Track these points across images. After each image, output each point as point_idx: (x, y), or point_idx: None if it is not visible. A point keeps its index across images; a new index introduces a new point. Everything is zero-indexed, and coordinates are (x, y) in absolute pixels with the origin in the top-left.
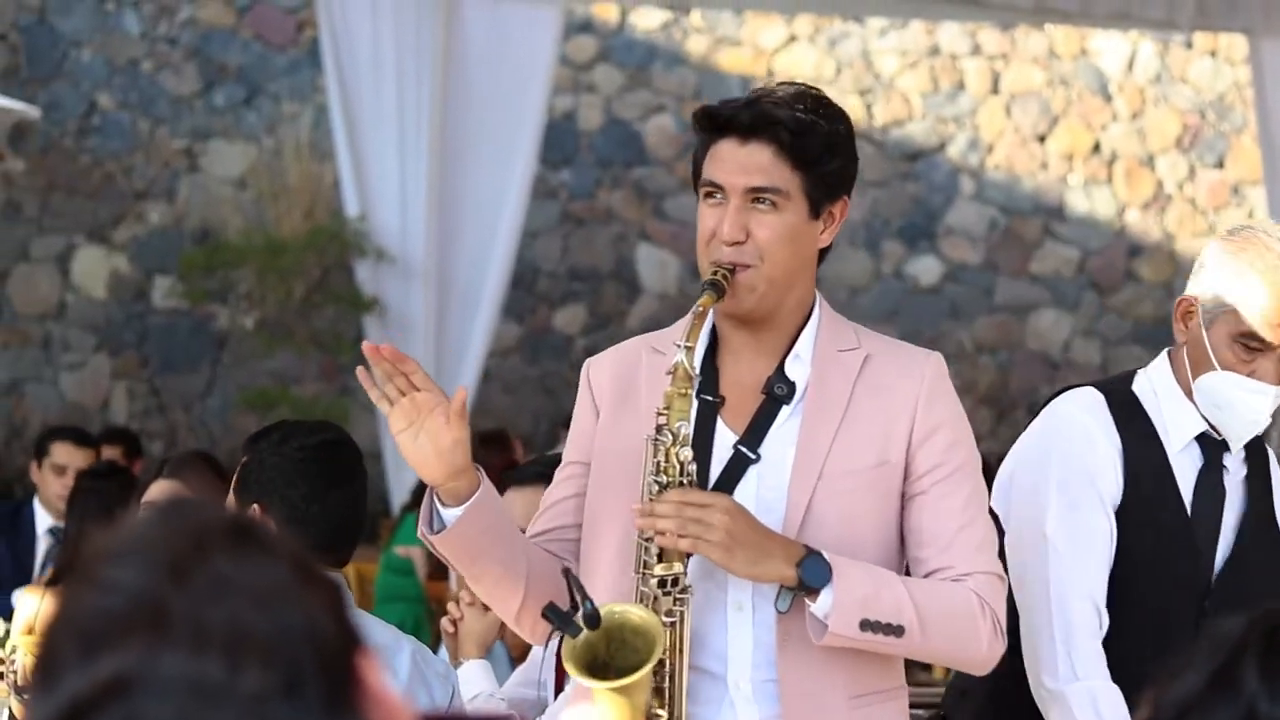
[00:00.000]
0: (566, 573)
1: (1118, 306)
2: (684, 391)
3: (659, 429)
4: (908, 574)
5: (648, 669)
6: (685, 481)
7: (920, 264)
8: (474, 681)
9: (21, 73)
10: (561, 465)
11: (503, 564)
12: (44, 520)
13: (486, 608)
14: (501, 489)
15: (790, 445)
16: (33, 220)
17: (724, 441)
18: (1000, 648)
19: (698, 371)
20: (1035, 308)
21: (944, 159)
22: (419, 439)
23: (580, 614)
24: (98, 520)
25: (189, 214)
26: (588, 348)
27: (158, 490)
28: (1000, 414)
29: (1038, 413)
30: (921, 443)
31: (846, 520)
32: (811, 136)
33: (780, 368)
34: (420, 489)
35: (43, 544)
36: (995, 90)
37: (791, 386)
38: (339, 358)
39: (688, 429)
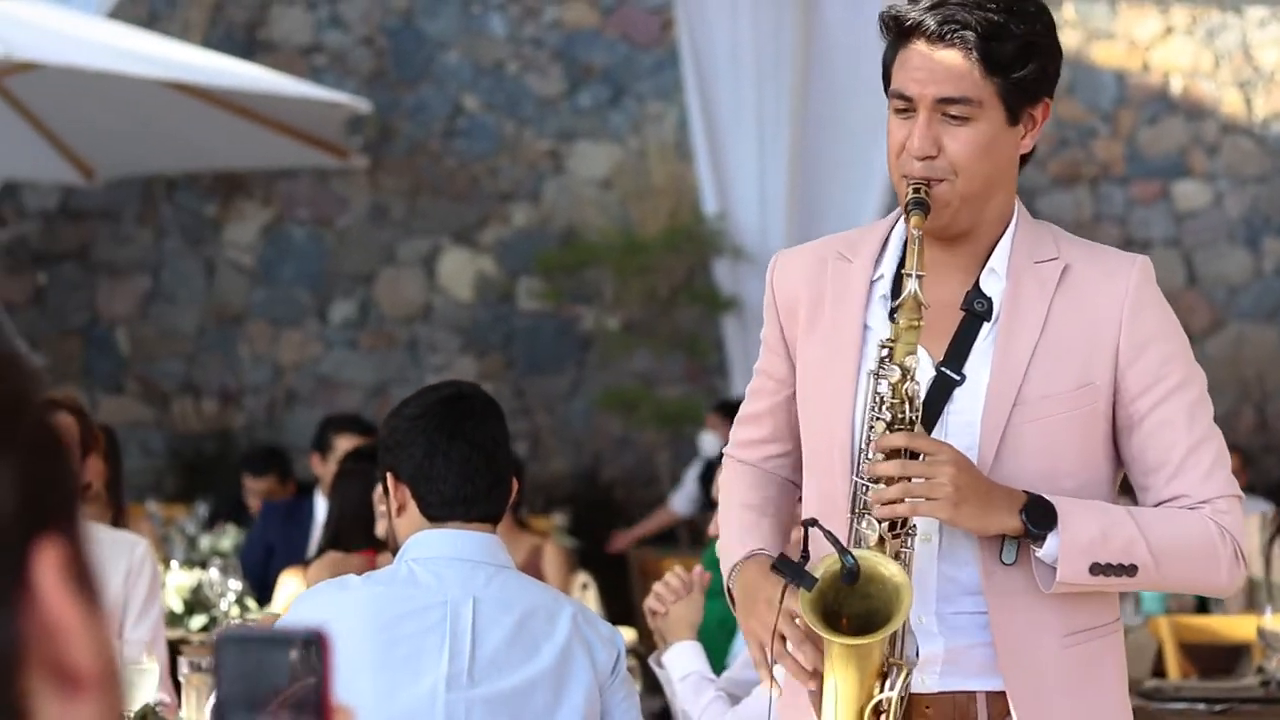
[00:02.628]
0: (813, 522)
1: None
2: (914, 323)
3: (882, 362)
4: (1134, 500)
5: (899, 622)
6: (914, 417)
7: None
8: (685, 662)
9: (388, 75)
10: (756, 371)
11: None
12: (324, 510)
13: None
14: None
15: (984, 365)
16: (399, 223)
17: (924, 363)
18: (1241, 573)
19: (889, 289)
20: None
21: None
22: None
23: (834, 564)
24: (360, 501)
25: (554, 215)
26: None
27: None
28: None
29: None
30: (1133, 361)
31: (1047, 447)
32: (1005, 39)
33: (976, 283)
34: None
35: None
36: None
37: (989, 302)
38: (701, 358)
39: (916, 363)
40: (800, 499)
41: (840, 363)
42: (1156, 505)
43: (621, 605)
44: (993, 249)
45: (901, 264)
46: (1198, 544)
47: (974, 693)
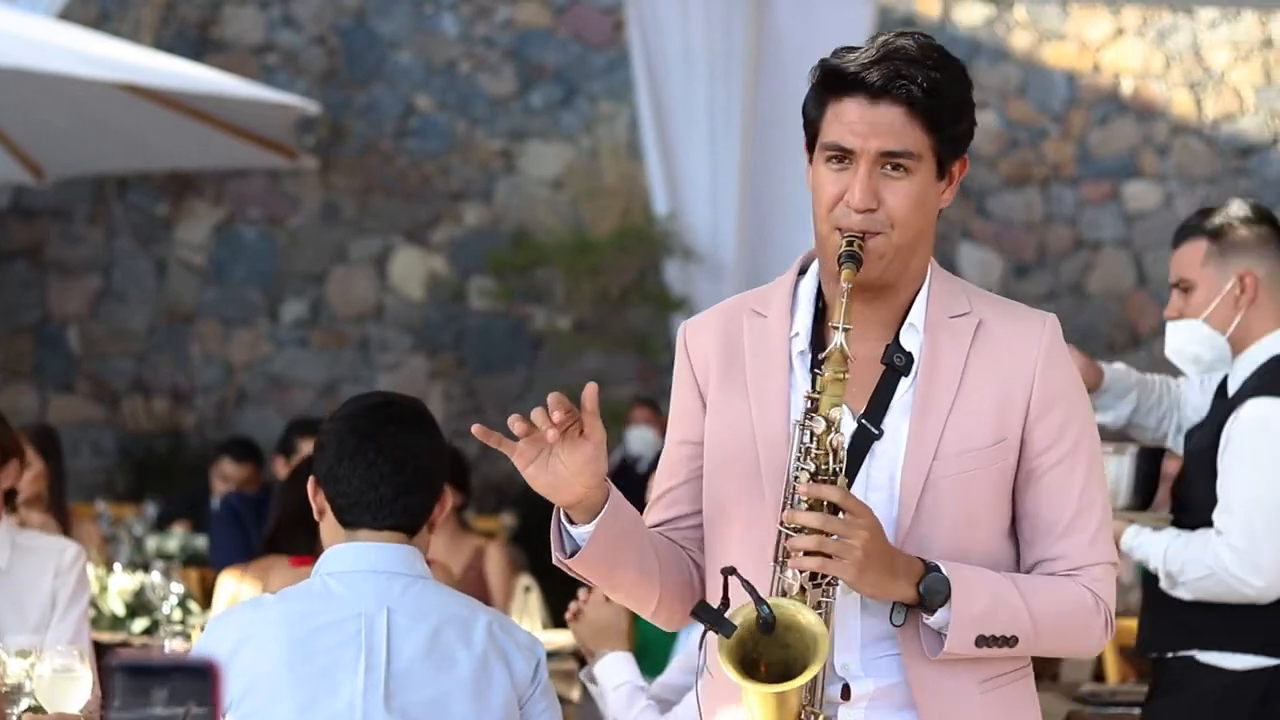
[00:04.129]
0: (732, 571)
1: None
2: (839, 376)
3: (808, 413)
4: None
5: (815, 670)
6: (838, 469)
7: None
8: (616, 673)
9: (340, 75)
10: (668, 446)
11: (638, 568)
12: None
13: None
14: None
15: (904, 417)
16: (351, 222)
17: (845, 416)
18: (1108, 639)
19: (808, 345)
20: None
21: (1277, 154)
22: (550, 463)
23: (752, 613)
24: (304, 504)
25: (505, 215)
26: None
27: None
28: None
29: None
30: (1040, 417)
31: (963, 502)
32: (944, 97)
33: (896, 338)
34: None
35: None
36: None
37: (909, 357)
38: (651, 358)
39: (840, 415)
40: (697, 577)
41: (771, 415)
42: (1038, 562)
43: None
44: (911, 304)
45: (817, 318)
46: (1075, 614)
47: None
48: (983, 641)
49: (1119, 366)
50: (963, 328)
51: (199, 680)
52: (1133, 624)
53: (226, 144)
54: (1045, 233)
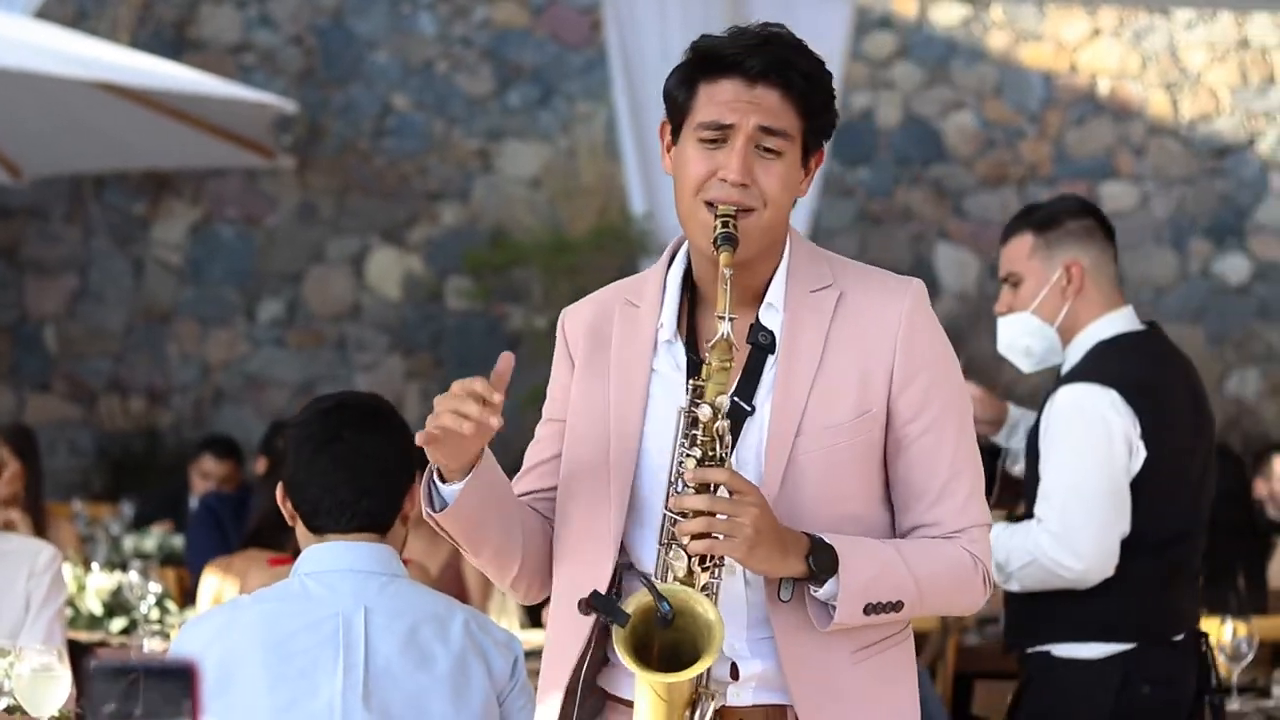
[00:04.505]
0: (647, 581)
1: None
2: (725, 364)
3: (693, 400)
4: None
5: (711, 658)
6: (724, 455)
7: (1228, 263)
8: None
9: (317, 74)
10: (541, 422)
11: (503, 532)
12: None
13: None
14: None
15: (767, 397)
16: (328, 222)
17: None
18: (988, 595)
19: (675, 328)
20: None
21: (1253, 155)
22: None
23: (647, 602)
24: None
25: (483, 214)
26: None
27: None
28: None
29: None
30: (904, 387)
31: (829, 477)
32: (819, 84)
33: (756, 317)
34: None
35: None
36: None
37: (772, 335)
38: None
39: (726, 402)
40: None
41: (628, 400)
42: (914, 528)
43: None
44: (769, 283)
45: (691, 304)
46: (955, 574)
47: (785, 706)
48: (871, 609)
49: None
50: (823, 302)
51: (178, 681)
52: None
53: (204, 143)
54: None
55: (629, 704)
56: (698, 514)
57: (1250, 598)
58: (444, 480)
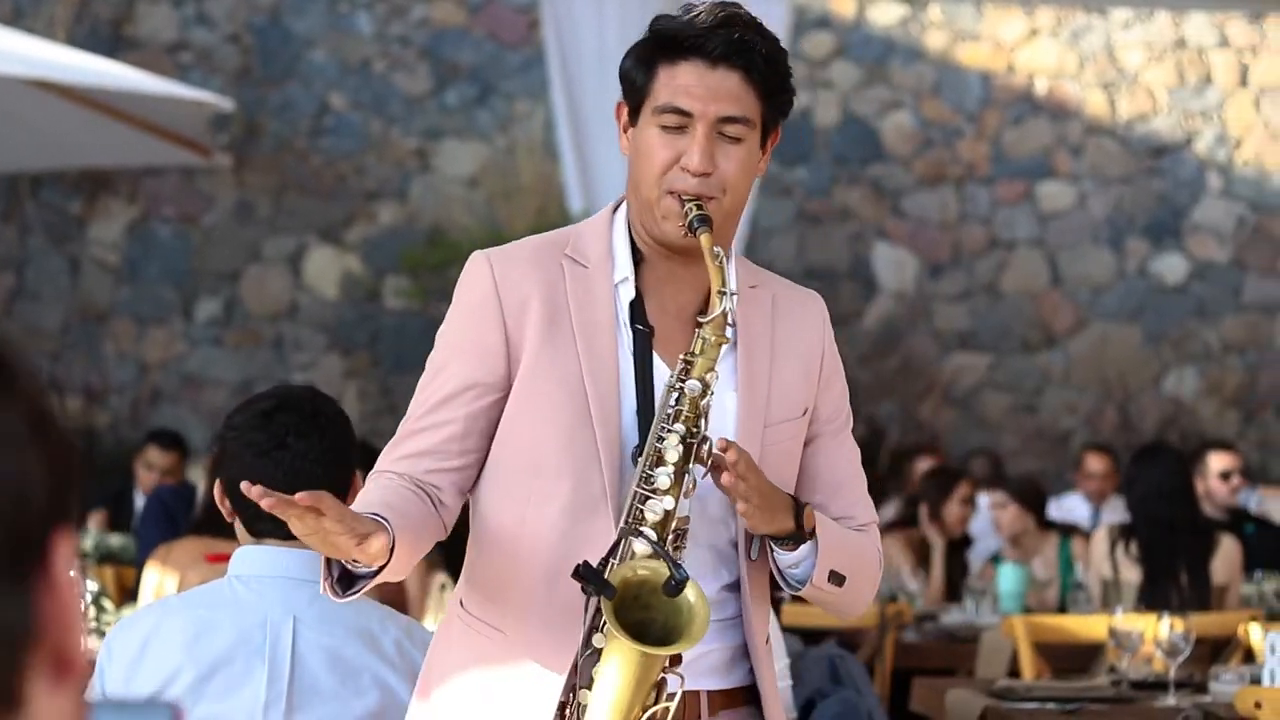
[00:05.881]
0: (659, 547)
1: None
2: (720, 340)
3: (681, 376)
4: None
5: (699, 634)
6: (706, 433)
7: (1165, 262)
8: None
9: (254, 73)
10: (443, 378)
11: (417, 550)
12: None
13: None
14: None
15: (728, 387)
16: (265, 221)
17: (661, 376)
18: None
19: (625, 300)
20: None
21: (1190, 154)
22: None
23: (667, 581)
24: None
25: (420, 214)
26: None
27: None
28: (1248, 416)
29: None
30: (827, 388)
31: (780, 470)
32: (778, 64)
33: (708, 300)
34: None
35: None
36: (1244, 83)
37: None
38: None
39: (715, 378)
40: (444, 527)
41: (602, 372)
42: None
43: None
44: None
45: (640, 264)
46: (873, 565)
47: (699, 692)
48: (832, 577)
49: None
50: (761, 299)
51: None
52: (1049, 619)
53: (140, 141)
54: (960, 232)
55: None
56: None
57: (1193, 595)
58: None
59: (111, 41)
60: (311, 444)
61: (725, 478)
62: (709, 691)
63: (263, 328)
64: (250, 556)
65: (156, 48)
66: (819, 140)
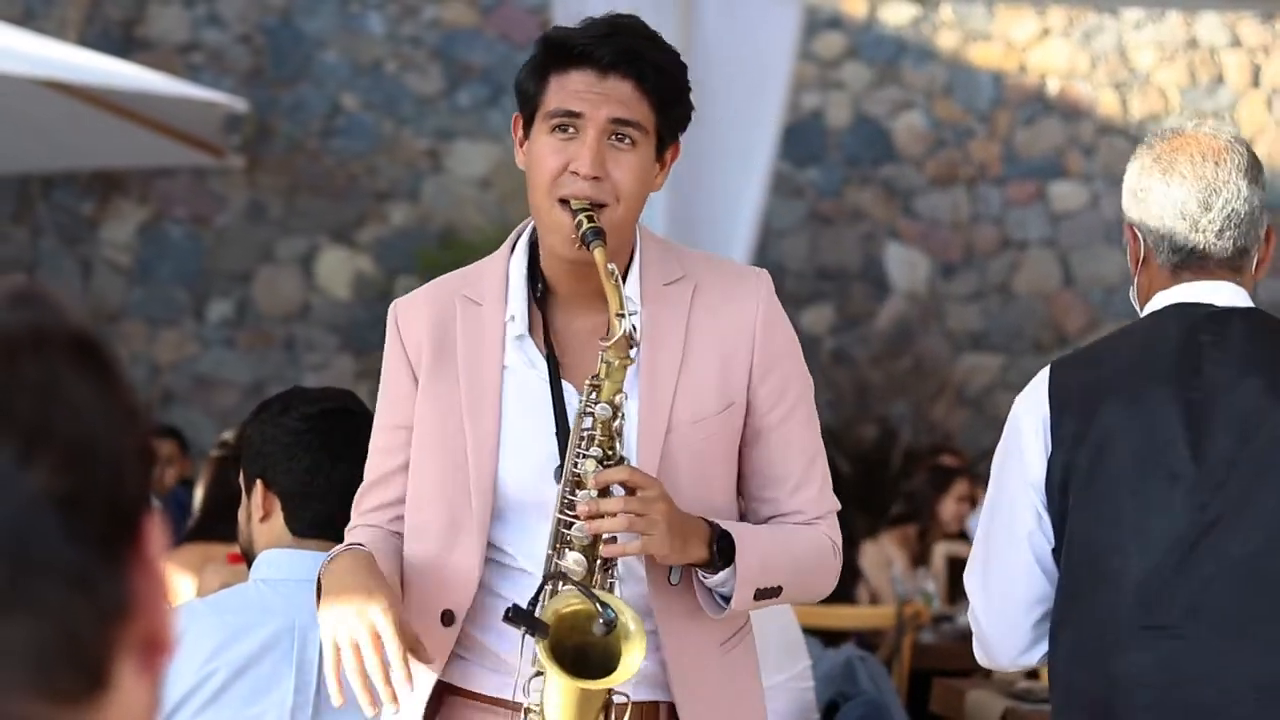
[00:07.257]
0: (586, 590)
1: None
2: (625, 362)
3: (590, 400)
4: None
5: (633, 671)
6: (623, 455)
7: None
8: None
9: (266, 74)
10: (382, 428)
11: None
12: None
13: None
14: None
15: (632, 394)
16: (277, 222)
17: (572, 401)
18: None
19: (527, 324)
20: None
21: None
22: None
23: (597, 623)
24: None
25: (432, 214)
26: (835, 349)
27: None
28: None
29: None
30: (764, 377)
31: (697, 471)
32: (672, 76)
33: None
34: None
35: None
36: (1256, 84)
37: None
38: None
39: (624, 400)
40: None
41: (484, 404)
42: (775, 517)
43: None
44: (623, 277)
45: (540, 297)
46: (820, 560)
47: (658, 703)
48: (759, 594)
49: None
50: (678, 295)
51: None
52: None
53: (152, 142)
54: (972, 232)
55: (489, 700)
56: (595, 516)
57: None
58: None
59: (123, 42)
60: (360, 454)
61: (605, 537)
62: (668, 704)
63: (275, 329)
64: (276, 560)
65: (168, 48)
66: (830, 141)
